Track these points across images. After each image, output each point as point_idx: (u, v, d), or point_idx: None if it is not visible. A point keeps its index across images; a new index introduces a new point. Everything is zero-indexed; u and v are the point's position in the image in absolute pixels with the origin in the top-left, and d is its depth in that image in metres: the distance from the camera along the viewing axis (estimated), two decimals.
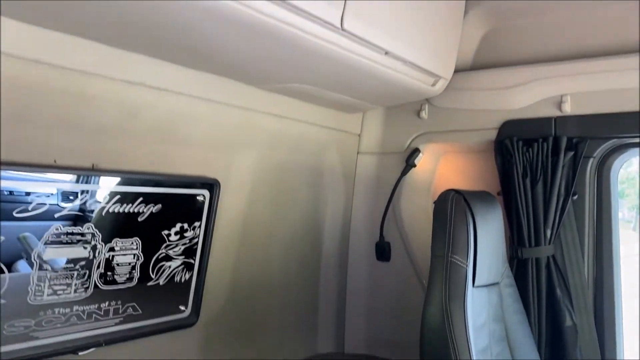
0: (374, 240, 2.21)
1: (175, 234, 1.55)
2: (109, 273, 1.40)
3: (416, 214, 2.10)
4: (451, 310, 1.38)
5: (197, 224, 1.60)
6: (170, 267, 1.55)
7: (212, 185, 1.61)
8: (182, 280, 1.60)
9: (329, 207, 2.16)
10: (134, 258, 1.46)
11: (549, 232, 1.74)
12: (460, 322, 1.37)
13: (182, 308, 1.62)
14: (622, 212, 2.34)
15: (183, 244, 1.57)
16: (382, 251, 2.19)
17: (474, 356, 1.37)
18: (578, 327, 1.71)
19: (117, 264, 1.42)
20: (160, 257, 1.52)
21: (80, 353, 1.36)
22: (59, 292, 1.30)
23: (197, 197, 1.59)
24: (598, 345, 1.72)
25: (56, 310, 1.30)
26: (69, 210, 1.29)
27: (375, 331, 2.20)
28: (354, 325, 2.23)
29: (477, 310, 1.47)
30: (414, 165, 2.08)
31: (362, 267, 2.23)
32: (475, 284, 1.48)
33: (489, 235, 1.54)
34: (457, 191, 1.53)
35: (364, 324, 2.23)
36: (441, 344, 1.37)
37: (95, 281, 1.37)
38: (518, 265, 1.78)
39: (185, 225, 1.57)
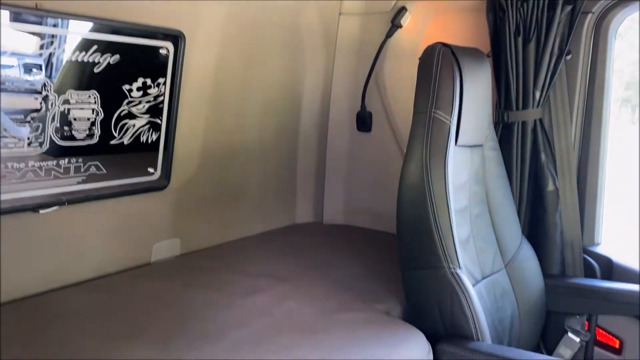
0: (355, 110, 2.11)
1: (138, 89, 1.42)
2: (66, 128, 1.30)
3: (400, 81, 1.99)
4: (431, 167, 1.31)
5: (161, 80, 1.47)
6: (134, 125, 1.45)
7: (176, 38, 1.46)
8: (149, 140, 1.50)
9: (308, 73, 2.03)
10: (92, 113, 1.35)
11: (538, 94, 1.65)
12: (440, 179, 1.31)
13: (151, 170, 1.54)
14: None
15: (147, 102, 1.46)
16: (363, 121, 2.10)
17: (452, 215, 1.33)
18: (560, 192, 1.68)
19: (75, 119, 1.31)
20: (122, 114, 1.41)
21: (41, 211, 1.29)
22: (9, 145, 1.20)
23: (160, 50, 1.45)
24: (578, 211, 1.70)
25: (9, 164, 1.21)
26: (11, 55, 1.15)
27: (354, 202, 2.17)
28: (333, 196, 2.20)
29: (458, 170, 1.41)
30: (400, 26, 1.93)
31: (342, 137, 2.15)
32: (458, 142, 1.40)
33: (476, 93, 1.44)
34: (444, 44, 1.40)
35: (343, 194, 2.19)
36: (419, 203, 1.32)
37: (50, 136, 1.27)
38: (503, 130, 1.71)
39: (148, 81, 1.44)
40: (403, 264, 1.36)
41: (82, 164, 1.36)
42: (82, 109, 1.32)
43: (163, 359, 1.04)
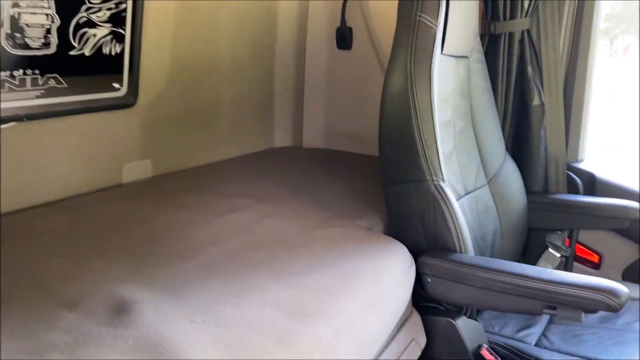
0: (335, 26, 2.00)
1: None
2: (18, 35, 1.18)
3: None
4: (416, 75, 1.24)
5: None
6: (95, 35, 1.33)
7: None
8: (113, 52, 1.39)
9: None
10: (47, 19, 1.23)
11: (526, 3, 1.57)
12: (424, 89, 1.24)
13: (117, 86, 1.44)
14: None
15: (108, 9, 1.34)
16: (343, 37, 1.99)
17: (437, 128, 1.27)
18: (546, 106, 1.63)
19: (27, 25, 1.19)
20: (81, 21, 1.29)
21: None
22: None
23: None
24: (564, 126, 1.66)
25: None
26: None
27: (335, 124, 2.10)
28: (312, 118, 2.12)
29: (443, 80, 1.34)
30: None
31: (321, 56, 2.05)
32: (444, 51, 1.33)
33: None
34: None
35: (323, 117, 2.12)
36: (403, 114, 1.25)
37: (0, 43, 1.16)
38: (489, 42, 1.63)
39: None
40: (385, 179, 1.31)
41: (39, 76, 1.25)
42: (34, 13, 1.20)
43: (132, 274, 0.98)
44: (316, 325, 0.84)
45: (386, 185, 1.31)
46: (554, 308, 1.07)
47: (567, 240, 1.66)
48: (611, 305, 0.99)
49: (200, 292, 0.93)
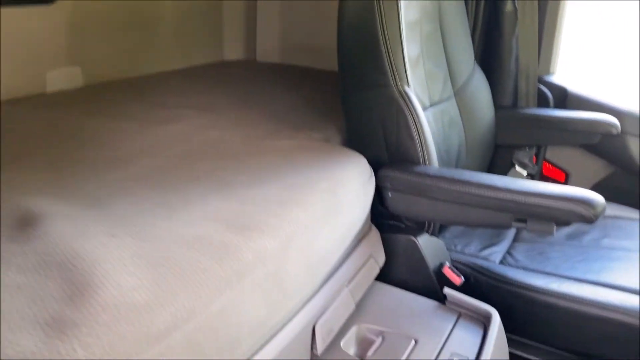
0: None
1: None
2: None
3: None
4: None
5: None
6: None
7: None
8: None
9: None
10: None
11: None
12: (392, 10, 1.10)
13: None
14: None
15: None
16: None
17: (403, 28, 1.13)
18: (519, 13, 1.50)
19: None
20: None
21: None
22: None
23: None
24: (537, 34, 1.54)
25: None
26: None
27: (292, 37, 1.93)
28: (266, 29, 1.94)
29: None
30: None
31: None
32: None
33: None
34: None
35: (278, 28, 1.93)
36: (366, 12, 1.10)
37: None
38: None
39: None
40: (344, 85, 1.18)
41: None
42: None
43: (48, 186, 0.84)
44: (261, 239, 0.72)
45: (345, 92, 1.17)
46: (524, 221, 0.98)
47: (534, 157, 1.59)
48: (586, 216, 0.91)
49: (128, 204, 0.80)
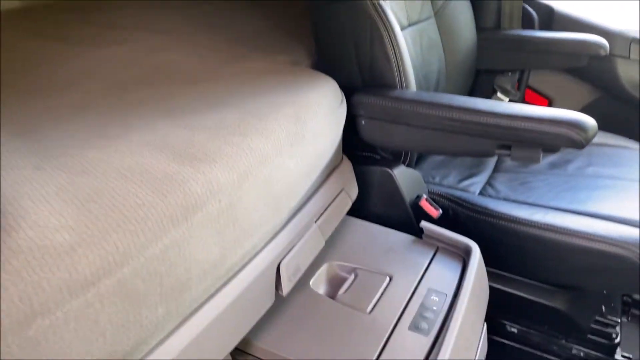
0: None
1: None
2: None
3: None
4: None
5: None
6: None
7: None
8: None
9: None
10: None
11: None
12: None
13: None
14: None
15: None
16: None
17: None
18: None
19: None
20: None
21: None
22: None
23: None
24: None
25: None
26: None
27: None
28: None
29: None
30: None
31: None
32: None
33: None
34: None
35: None
36: None
37: None
38: None
39: None
40: None
41: None
42: None
43: None
44: (212, 171, 0.62)
45: (314, 5, 1.05)
46: (508, 147, 0.90)
47: (517, 84, 1.50)
48: (576, 140, 0.83)
49: (60, 133, 0.69)
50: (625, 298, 1.34)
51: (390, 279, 0.87)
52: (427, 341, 0.75)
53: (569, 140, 0.83)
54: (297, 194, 0.78)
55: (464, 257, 0.93)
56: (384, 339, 0.75)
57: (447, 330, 0.75)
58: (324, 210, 0.87)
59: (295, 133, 0.76)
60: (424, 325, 0.78)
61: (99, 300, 0.48)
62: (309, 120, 0.81)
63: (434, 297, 0.84)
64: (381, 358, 0.72)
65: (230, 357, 0.72)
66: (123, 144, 0.66)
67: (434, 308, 0.81)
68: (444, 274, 0.89)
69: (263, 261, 0.71)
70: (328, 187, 0.89)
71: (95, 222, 0.51)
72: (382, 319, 0.79)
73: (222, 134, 0.70)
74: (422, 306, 0.82)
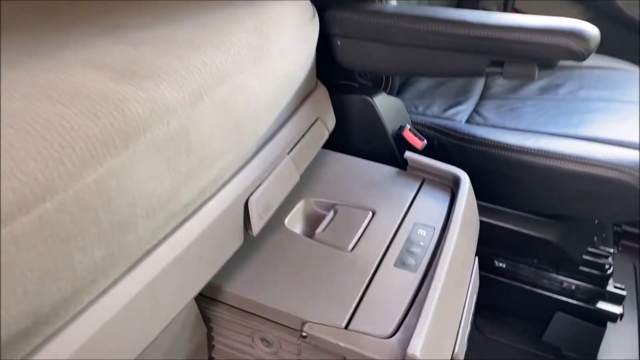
0: None
1: None
2: None
3: None
4: None
5: None
6: None
7: None
8: None
9: None
10: None
11: None
12: None
13: None
14: None
15: None
16: None
17: None
18: None
19: None
20: None
21: None
22: None
23: None
24: None
25: None
26: None
27: None
28: None
29: None
30: None
31: None
32: None
33: None
34: None
35: None
36: None
37: None
38: None
39: None
40: None
41: None
42: None
43: None
44: (158, 89, 0.52)
45: None
46: (500, 64, 0.81)
47: (502, 6, 1.39)
48: (576, 51, 0.74)
49: None
50: (615, 228, 1.30)
51: (373, 214, 0.79)
52: (415, 278, 0.68)
53: (567, 51, 0.74)
54: (265, 121, 0.68)
55: (452, 188, 0.85)
56: (368, 278, 0.67)
57: (436, 265, 0.67)
58: (298, 142, 0.78)
59: (259, 47, 0.66)
60: (411, 261, 0.71)
61: (13, 243, 0.38)
62: (273, 34, 0.70)
63: (421, 232, 0.76)
64: (365, 297, 0.65)
65: (195, 305, 0.64)
66: (53, 63, 0.55)
67: (421, 243, 0.74)
68: (431, 206, 0.81)
69: (228, 197, 0.62)
70: (301, 115, 0.79)
71: (8, 150, 0.41)
72: (365, 256, 0.71)
73: (171, 49, 0.59)
74: (409, 241, 0.74)
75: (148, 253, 0.52)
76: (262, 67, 0.66)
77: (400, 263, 0.70)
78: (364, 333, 0.60)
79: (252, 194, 0.66)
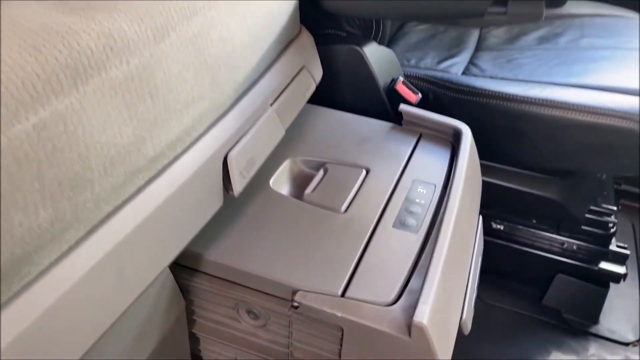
0: None
1: None
2: None
3: None
4: None
5: None
6: None
7: None
8: None
9: None
10: None
11: None
12: None
13: None
14: None
15: None
16: None
17: None
18: None
19: None
20: None
21: None
22: None
23: None
24: None
25: None
26: None
27: None
28: None
29: None
30: None
31: None
32: None
33: None
34: None
35: None
36: None
37: None
38: None
39: None
40: None
41: None
42: None
43: None
44: (115, 21, 0.44)
45: None
46: (504, 3, 0.73)
47: None
48: None
49: None
50: (615, 187, 1.25)
51: (367, 173, 0.72)
52: (417, 239, 0.61)
53: None
54: (243, 65, 0.60)
55: (453, 142, 0.78)
56: (365, 240, 0.60)
57: (440, 225, 0.61)
58: (282, 92, 0.70)
59: None
60: (411, 221, 0.64)
61: None
62: None
63: (421, 189, 0.69)
64: (363, 262, 0.58)
65: (170, 276, 0.57)
66: None
67: (422, 201, 0.67)
68: (430, 162, 0.74)
69: (204, 151, 0.54)
70: (285, 62, 0.71)
71: None
72: (361, 217, 0.64)
73: None
74: (408, 200, 0.67)
75: (110, 216, 0.44)
76: (238, 2, 0.57)
77: (400, 224, 0.63)
78: (362, 301, 0.53)
79: (231, 149, 0.58)
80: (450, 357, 0.56)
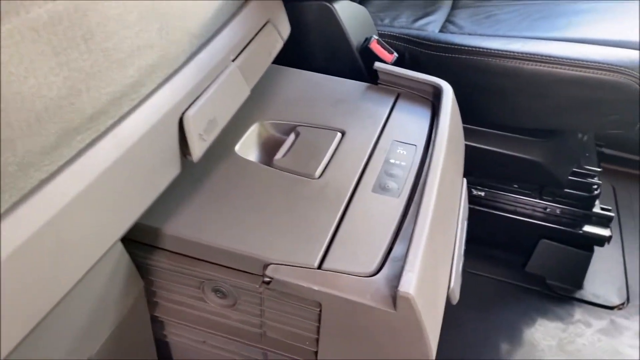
0: None
1: None
2: None
3: None
4: None
5: None
6: None
7: None
8: None
9: None
10: None
11: None
12: None
13: None
14: None
15: None
16: None
17: None
18: None
19: None
20: None
21: None
22: None
23: None
24: None
25: None
26: None
27: None
28: None
29: None
30: None
31: None
32: None
33: None
34: None
35: None
36: None
37: None
38: None
39: None
40: None
41: None
42: None
43: None
44: None
45: None
46: None
47: None
48: None
49: None
50: (597, 149, 1.21)
51: (343, 135, 0.66)
52: (399, 203, 0.56)
53: None
54: (198, 14, 0.53)
55: (433, 101, 0.72)
56: (342, 207, 0.55)
57: (423, 188, 0.55)
58: (245, 47, 0.63)
59: None
60: (392, 184, 0.58)
61: None
62: None
63: (401, 151, 0.64)
64: (340, 230, 0.52)
65: (125, 254, 0.50)
66: None
67: (402, 163, 0.62)
68: (410, 122, 0.69)
69: (155, 110, 0.47)
70: (247, 14, 0.64)
71: None
72: (337, 183, 0.58)
73: None
74: (387, 162, 0.62)
75: (42, 184, 0.37)
76: None
77: (380, 188, 0.58)
78: (341, 272, 0.48)
79: (188, 108, 0.51)
80: (439, 331, 0.52)
